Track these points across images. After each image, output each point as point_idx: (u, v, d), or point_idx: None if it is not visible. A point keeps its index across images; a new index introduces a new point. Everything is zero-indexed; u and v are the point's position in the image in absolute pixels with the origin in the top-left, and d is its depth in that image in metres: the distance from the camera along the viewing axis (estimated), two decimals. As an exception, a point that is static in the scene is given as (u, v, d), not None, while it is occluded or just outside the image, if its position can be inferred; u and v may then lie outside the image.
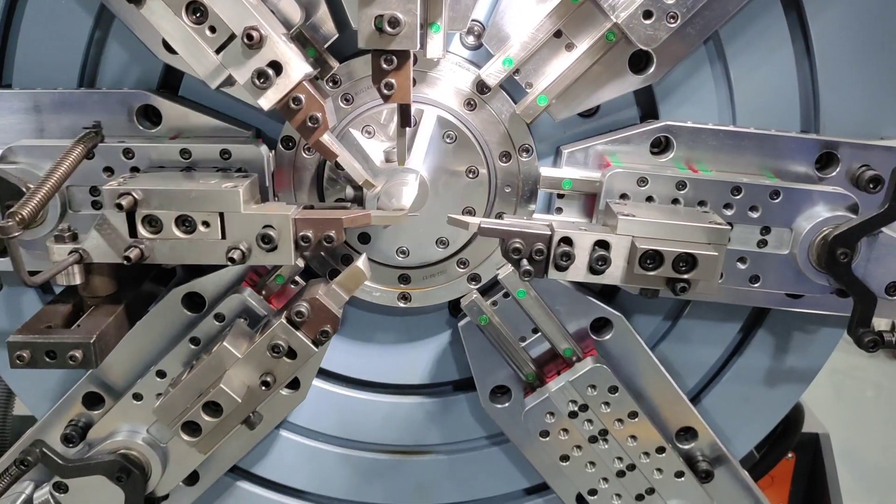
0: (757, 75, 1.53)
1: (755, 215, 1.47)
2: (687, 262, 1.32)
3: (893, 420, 5.24)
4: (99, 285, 1.41)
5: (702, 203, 1.47)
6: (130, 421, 1.62)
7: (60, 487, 1.61)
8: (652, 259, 1.32)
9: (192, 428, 1.44)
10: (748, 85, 1.53)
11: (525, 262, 1.35)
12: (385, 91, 1.28)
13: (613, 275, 1.35)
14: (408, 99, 1.31)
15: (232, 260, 1.32)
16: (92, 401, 1.66)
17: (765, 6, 1.48)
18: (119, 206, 1.29)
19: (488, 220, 1.39)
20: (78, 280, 1.37)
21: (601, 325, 1.64)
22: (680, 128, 1.51)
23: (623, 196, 1.48)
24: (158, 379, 1.59)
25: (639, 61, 1.47)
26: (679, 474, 1.65)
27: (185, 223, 1.34)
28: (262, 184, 1.47)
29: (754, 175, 1.51)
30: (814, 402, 2.56)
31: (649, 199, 1.48)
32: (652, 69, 1.46)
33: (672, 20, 1.37)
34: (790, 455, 2.45)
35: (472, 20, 1.50)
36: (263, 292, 1.58)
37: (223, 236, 1.34)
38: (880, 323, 4.85)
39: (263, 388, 1.42)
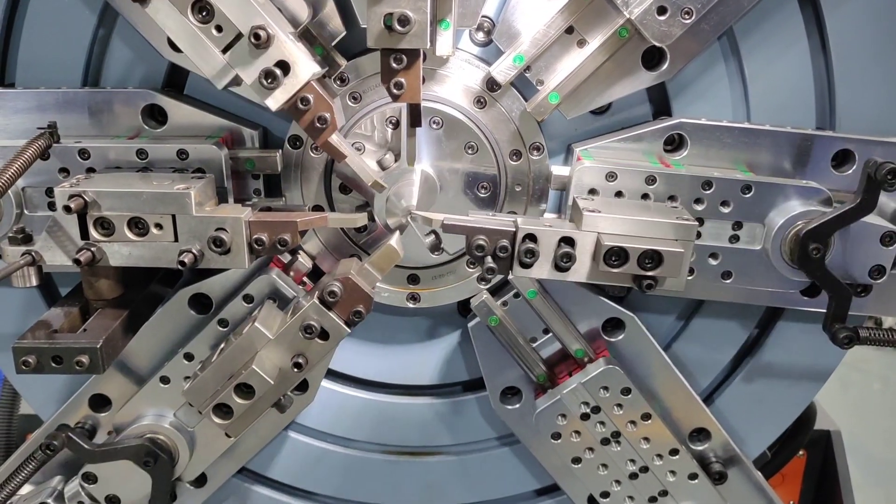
0: (772, 71, 1.50)
1: (726, 210, 1.44)
2: (652, 258, 1.30)
3: (900, 413, 5.22)
4: (104, 288, 1.40)
5: (672, 198, 1.44)
6: (157, 405, 1.60)
7: (89, 478, 1.60)
8: (617, 256, 1.30)
9: (223, 410, 1.41)
10: (763, 81, 1.51)
11: (489, 259, 1.33)
12: (395, 91, 1.26)
13: (579, 272, 1.34)
14: (418, 98, 1.28)
15: (182, 263, 1.30)
16: (98, 403, 1.64)
17: (780, 1, 1.46)
18: (68, 209, 1.27)
19: (452, 216, 1.37)
20: (34, 282, 1.37)
21: (613, 325, 1.62)
22: (694, 125, 1.48)
23: (592, 191, 1.45)
24: (186, 362, 1.56)
25: (651, 57, 1.44)
26: (692, 476, 1.63)
27: (138, 225, 1.32)
28: (220, 184, 1.45)
29: (726, 169, 1.48)
30: (820, 394, 2.53)
31: (619, 194, 1.45)
32: (665, 66, 1.43)
33: (687, 16, 1.34)
34: (801, 452, 2.43)
35: (482, 16, 1.47)
36: (291, 273, 1.56)
37: (176, 239, 1.32)
38: (888, 320, 4.82)
39: (295, 369, 1.39)
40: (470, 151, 1.48)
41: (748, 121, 1.52)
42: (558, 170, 1.52)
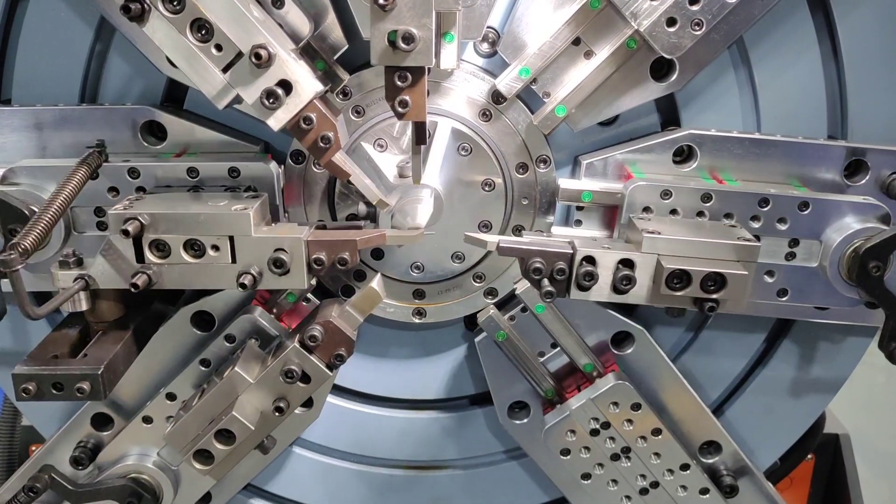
0: (782, 80, 1.47)
1: (783, 227, 1.42)
2: (716, 281, 1.27)
3: (905, 406, 5.20)
4: (106, 310, 1.37)
5: (728, 216, 1.42)
6: (141, 444, 1.59)
7: None
8: (679, 279, 1.27)
9: (204, 455, 1.39)
10: (773, 90, 1.48)
11: (546, 281, 1.30)
12: (399, 109, 1.22)
13: (638, 294, 1.30)
14: (423, 116, 1.24)
15: (243, 286, 1.27)
16: (101, 422, 1.62)
17: (791, 8, 1.43)
18: (125, 233, 1.24)
19: (507, 238, 1.34)
20: (84, 306, 1.32)
21: (622, 338, 1.59)
22: (704, 136, 1.45)
23: (646, 209, 1.42)
24: (168, 402, 1.55)
25: (660, 67, 1.41)
26: (703, 491, 1.61)
27: (194, 247, 1.29)
28: (272, 202, 1.42)
29: (782, 185, 1.46)
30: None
31: (673, 211, 1.43)
32: (674, 76, 1.40)
33: (697, 27, 1.31)
34: (809, 456, 2.40)
35: (487, 27, 1.44)
36: (275, 310, 1.54)
37: (233, 260, 1.29)
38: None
39: (277, 413, 1.38)
40: (475, 165, 1.45)
41: (758, 130, 1.50)
42: (566, 182, 1.49)
